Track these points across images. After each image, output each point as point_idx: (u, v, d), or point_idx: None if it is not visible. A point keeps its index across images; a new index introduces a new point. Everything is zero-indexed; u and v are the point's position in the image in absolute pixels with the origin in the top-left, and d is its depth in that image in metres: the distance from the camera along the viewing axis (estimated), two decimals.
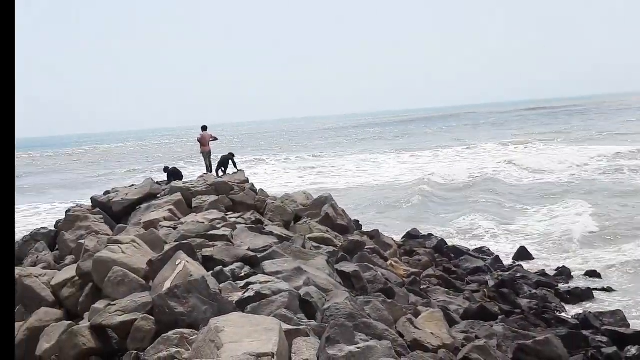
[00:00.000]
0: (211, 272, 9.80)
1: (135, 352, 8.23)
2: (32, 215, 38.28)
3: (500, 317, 12.81)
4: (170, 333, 7.49)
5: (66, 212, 18.41)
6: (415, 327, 9.36)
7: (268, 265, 10.54)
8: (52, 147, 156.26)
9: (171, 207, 16.85)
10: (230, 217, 15.84)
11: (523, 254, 19.26)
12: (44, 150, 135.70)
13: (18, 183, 60.72)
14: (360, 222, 21.51)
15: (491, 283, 15.61)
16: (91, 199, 20.10)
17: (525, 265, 18.13)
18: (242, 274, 10.18)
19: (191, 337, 7.42)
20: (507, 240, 22.08)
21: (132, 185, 21.69)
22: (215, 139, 25.11)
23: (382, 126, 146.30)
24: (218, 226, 13.82)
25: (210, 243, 12.00)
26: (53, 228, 18.98)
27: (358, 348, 5.52)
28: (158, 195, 18.85)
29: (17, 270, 14.29)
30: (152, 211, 16.86)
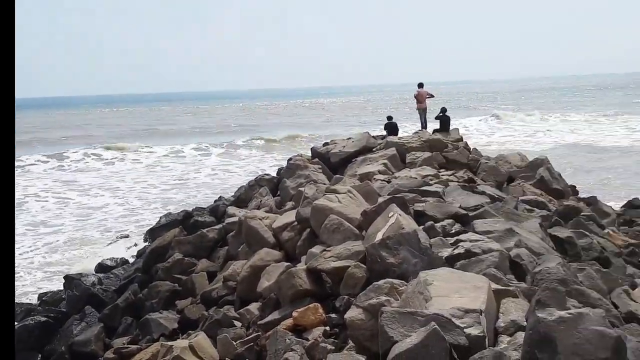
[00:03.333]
0: (422, 226, 9.97)
1: (347, 297, 8.67)
2: (260, 162, 41.10)
3: None
4: (381, 282, 7.78)
5: (288, 160, 19.54)
6: (632, 299, 8.94)
7: (479, 224, 10.51)
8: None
9: (385, 161, 17.24)
10: (442, 175, 15.91)
11: None
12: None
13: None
14: (576, 188, 20.61)
15: None
16: (311, 149, 21.15)
17: None
18: (453, 231, 10.26)
19: (400, 288, 7.66)
20: None
21: (350, 138, 22.44)
22: (432, 96, 25.18)
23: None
24: (431, 182, 13.97)
25: (423, 198, 12.19)
26: (275, 175, 20.25)
27: (569, 314, 5.42)
28: (373, 149, 19.38)
29: (243, 212, 15.53)
30: (368, 164, 17.36)
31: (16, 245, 21.91)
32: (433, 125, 24.07)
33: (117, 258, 18.95)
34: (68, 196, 32.58)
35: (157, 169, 41.84)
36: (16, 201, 30.47)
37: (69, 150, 49.81)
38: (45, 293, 16.37)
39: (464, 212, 11.14)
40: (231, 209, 17.44)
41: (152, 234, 19.44)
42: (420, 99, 24.90)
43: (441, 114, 22.87)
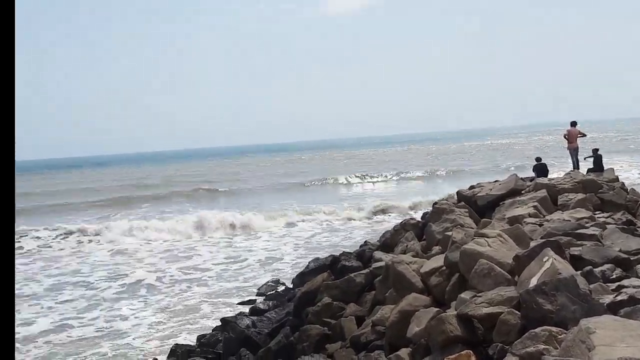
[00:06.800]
0: (579, 271, 9.50)
1: (500, 344, 8.35)
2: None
3: None
4: (538, 329, 7.46)
5: (433, 204, 19.34)
6: None
7: None
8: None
9: (535, 203, 16.66)
10: (598, 217, 15.14)
11: None
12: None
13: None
14: None
15: None
16: (457, 192, 20.82)
17: None
18: (613, 276, 9.69)
19: (559, 336, 7.30)
20: None
21: (497, 180, 21.95)
22: (584, 135, 24.33)
23: None
24: (586, 225, 13.32)
25: (578, 242, 11.65)
26: (420, 219, 20.08)
27: None
28: (522, 192, 18.82)
29: (389, 257, 15.46)
30: (517, 207, 16.84)
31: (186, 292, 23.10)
32: (584, 165, 23.23)
33: (269, 302, 19.41)
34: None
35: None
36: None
37: None
38: (204, 335, 16.94)
39: (625, 256, 10.51)
40: (377, 254, 17.44)
41: (301, 278, 19.80)
42: (571, 138, 24.12)
43: (593, 154, 22.08)
